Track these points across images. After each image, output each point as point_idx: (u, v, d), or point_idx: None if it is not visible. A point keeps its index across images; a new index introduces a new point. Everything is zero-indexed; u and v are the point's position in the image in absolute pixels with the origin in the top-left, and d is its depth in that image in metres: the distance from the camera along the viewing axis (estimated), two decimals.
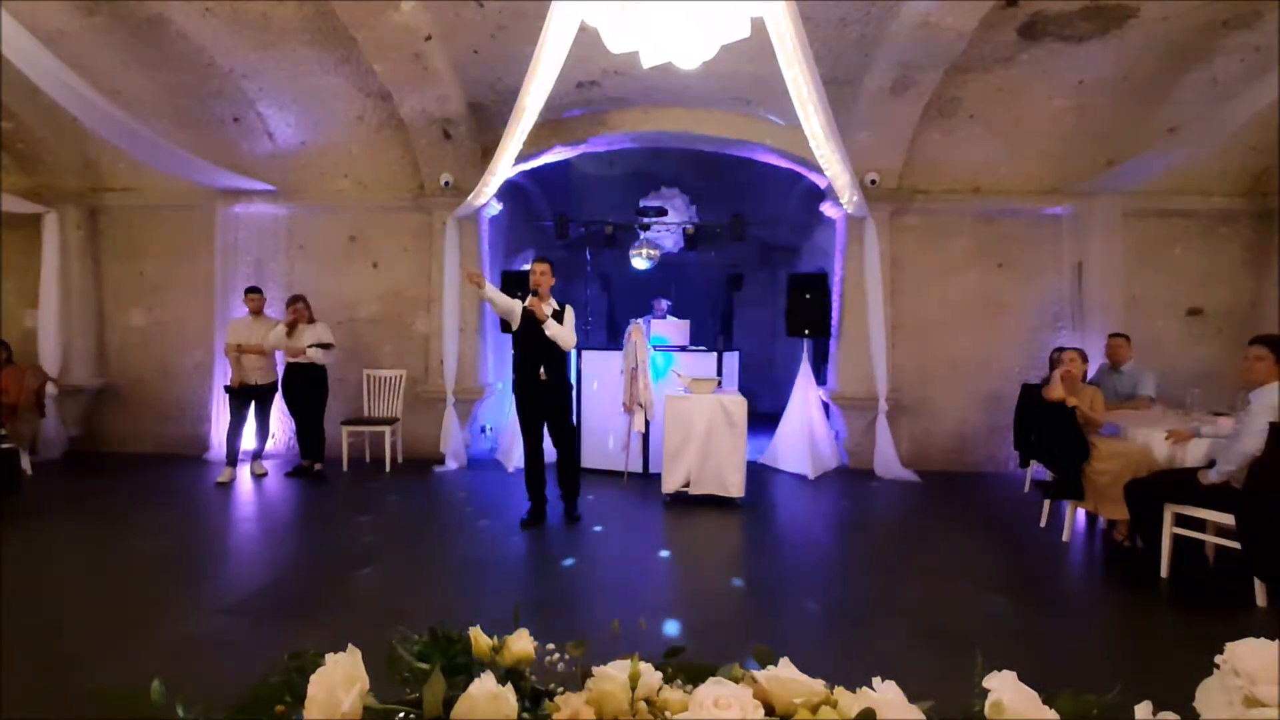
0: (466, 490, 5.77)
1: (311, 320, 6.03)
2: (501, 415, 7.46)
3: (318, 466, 6.04)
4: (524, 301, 4.59)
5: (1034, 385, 5.20)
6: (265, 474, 6.07)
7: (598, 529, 4.73)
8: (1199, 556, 4.03)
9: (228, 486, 5.68)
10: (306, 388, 6.01)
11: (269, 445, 6.86)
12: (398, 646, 0.79)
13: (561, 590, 3.68)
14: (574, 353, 5.34)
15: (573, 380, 4.88)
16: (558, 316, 4.64)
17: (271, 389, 6.10)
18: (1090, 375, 5.41)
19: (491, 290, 4.68)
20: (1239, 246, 6.44)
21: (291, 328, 5.90)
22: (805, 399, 6.53)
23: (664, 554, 4.25)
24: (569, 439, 4.87)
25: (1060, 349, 4.87)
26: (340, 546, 4.25)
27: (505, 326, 6.81)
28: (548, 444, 4.82)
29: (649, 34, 2.24)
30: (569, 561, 4.07)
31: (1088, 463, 4.33)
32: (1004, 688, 0.69)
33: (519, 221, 8.62)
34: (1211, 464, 3.78)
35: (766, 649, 0.79)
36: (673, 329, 7.31)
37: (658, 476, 5.46)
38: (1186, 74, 5.47)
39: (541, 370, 4.62)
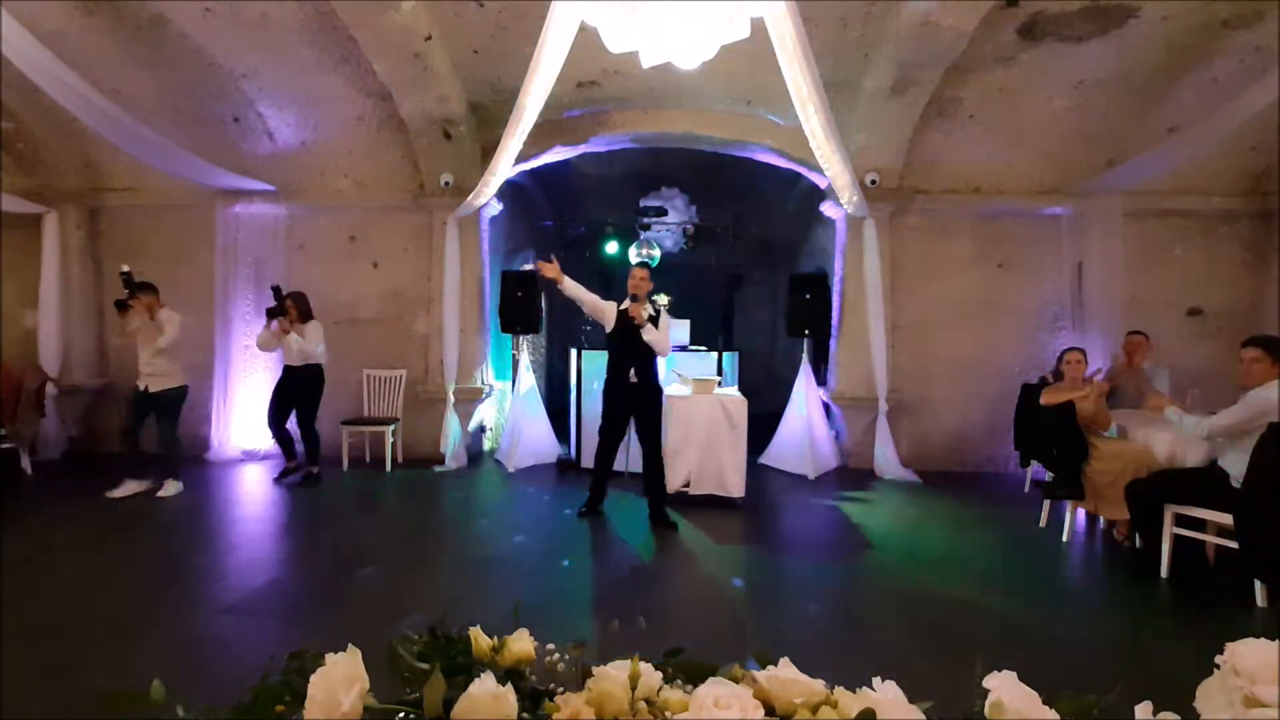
0: (466, 490, 5.77)
1: (303, 319, 5.75)
2: (501, 415, 7.46)
3: (314, 470, 5.87)
4: (619, 304, 4.72)
5: (1034, 385, 5.20)
6: (171, 496, 5.18)
7: (598, 529, 4.73)
8: (1199, 556, 4.03)
9: (123, 502, 5.03)
10: (301, 390, 5.80)
11: (266, 447, 6.86)
12: (398, 646, 0.79)
13: (561, 590, 3.68)
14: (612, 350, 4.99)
15: (661, 383, 4.92)
16: (654, 320, 4.69)
17: (175, 396, 5.34)
18: (1105, 373, 5.42)
19: (574, 286, 4.75)
20: (1239, 246, 6.44)
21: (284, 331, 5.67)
22: (805, 399, 6.53)
23: (664, 554, 4.25)
24: (655, 441, 4.81)
25: (1073, 348, 4.82)
26: (340, 546, 4.25)
27: (507, 326, 6.88)
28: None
29: (649, 34, 2.24)
30: (569, 561, 4.07)
31: (1087, 463, 4.34)
32: (1004, 688, 0.69)
33: (519, 221, 8.61)
34: (1214, 462, 3.80)
35: (766, 649, 0.79)
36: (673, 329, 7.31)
37: None
38: (1186, 74, 5.47)
39: (632, 372, 4.69)
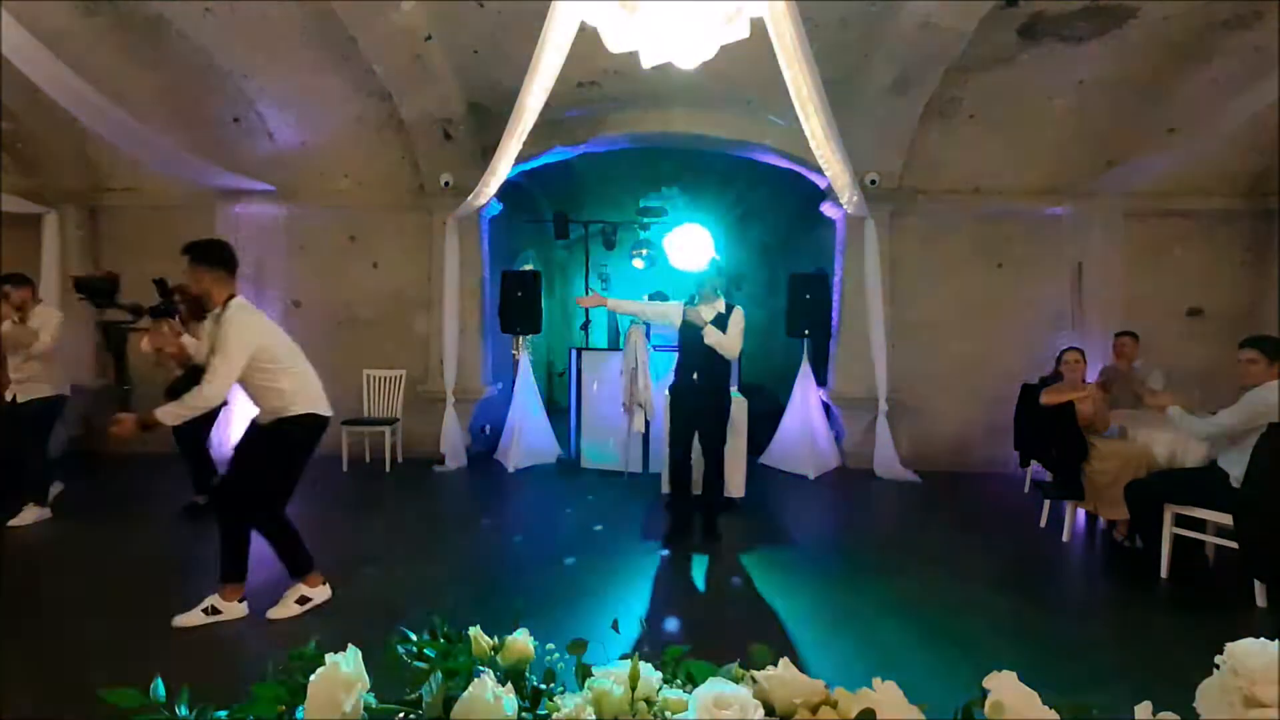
0: (466, 490, 5.77)
1: (197, 318, 4.28)
2: (501, 415, 7.46)
3: (12, 522, 4.50)
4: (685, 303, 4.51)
5: (1034, 385, 5.20)
6: (28, 525, 4.47)
7: (598, 528, 4.73)
8: (1199, 556, 4.03)
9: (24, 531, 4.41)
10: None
11: None
12: (398, 646, 0.79)
13: (561, 590, 3.68)
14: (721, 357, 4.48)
15: (730, 388, 4.56)
16: (721, 320, 4.39)
17: (45, 408, 4.58)
18: (1096, 375, 5.42)
19: (627, 304, 4.60)
20: (1239, 247, 6.44)
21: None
22: (805, 399, 6.53)
23: (664, 554, 4.25)
24: (718, 448, 4.53)
25: (1072, 348, 4.83)
26: (340, 546, 4.25)
27: (507, 326, 6.88)
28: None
29: (649, 34, 2.24)
30: (569, 561, 4.07)
31: (1087, 463, 4.34)
32: (1004, 688, 0.69)
33: (519, 221, 8.62)
34: (1214, 462, 3.80)
35: (766, 649, 0.79)
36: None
37: (658, 476, 5.45)
38: (1186, 74, 5.47)
39: (695, 375, 4.44)
